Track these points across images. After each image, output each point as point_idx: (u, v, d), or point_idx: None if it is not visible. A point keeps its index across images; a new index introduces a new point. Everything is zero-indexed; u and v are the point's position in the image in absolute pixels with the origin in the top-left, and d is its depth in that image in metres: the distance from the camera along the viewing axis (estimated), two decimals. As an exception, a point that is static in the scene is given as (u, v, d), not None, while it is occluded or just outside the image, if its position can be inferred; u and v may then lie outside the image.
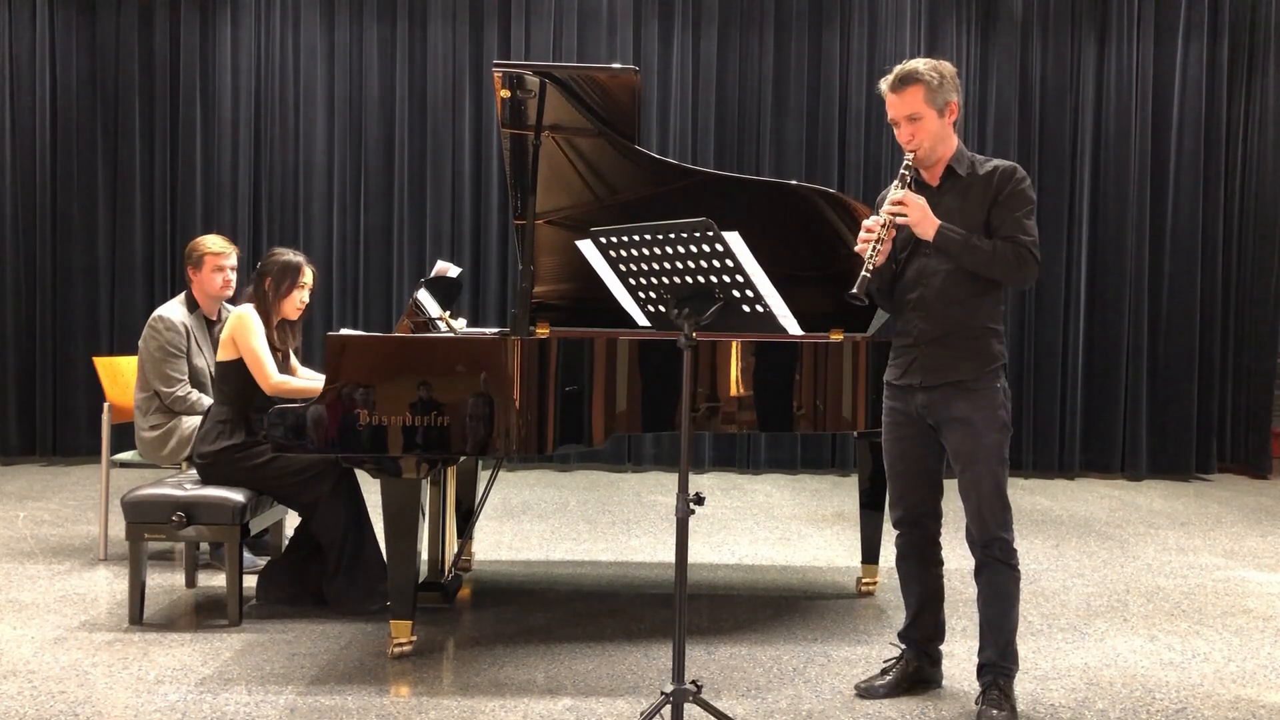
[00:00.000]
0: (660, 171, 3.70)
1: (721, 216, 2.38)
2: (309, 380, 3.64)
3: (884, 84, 2.78)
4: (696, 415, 3.47)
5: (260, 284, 3.65)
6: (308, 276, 3.71)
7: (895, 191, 2.72)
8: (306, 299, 3.74)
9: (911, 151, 2.75)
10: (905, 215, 2.69)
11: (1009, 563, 2.76)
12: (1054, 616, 3.74)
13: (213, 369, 3.92)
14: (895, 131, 2.79)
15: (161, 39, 6.78)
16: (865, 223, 2.74)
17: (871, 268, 2.66)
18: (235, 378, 3.56)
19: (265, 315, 3.62)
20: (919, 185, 2.82)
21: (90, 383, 6.10)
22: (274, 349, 3.61)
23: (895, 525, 2.96)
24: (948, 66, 2.79)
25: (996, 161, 2.80)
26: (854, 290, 2.63)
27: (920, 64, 2.76)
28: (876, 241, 2.67)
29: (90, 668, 3.06)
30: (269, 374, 3.53)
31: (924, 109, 2.72)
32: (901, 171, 2.76)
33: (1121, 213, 6.84)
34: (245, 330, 3.54)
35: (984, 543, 2.75)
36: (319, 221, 6.86)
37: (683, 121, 6.85)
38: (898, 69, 2.77)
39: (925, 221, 2.69)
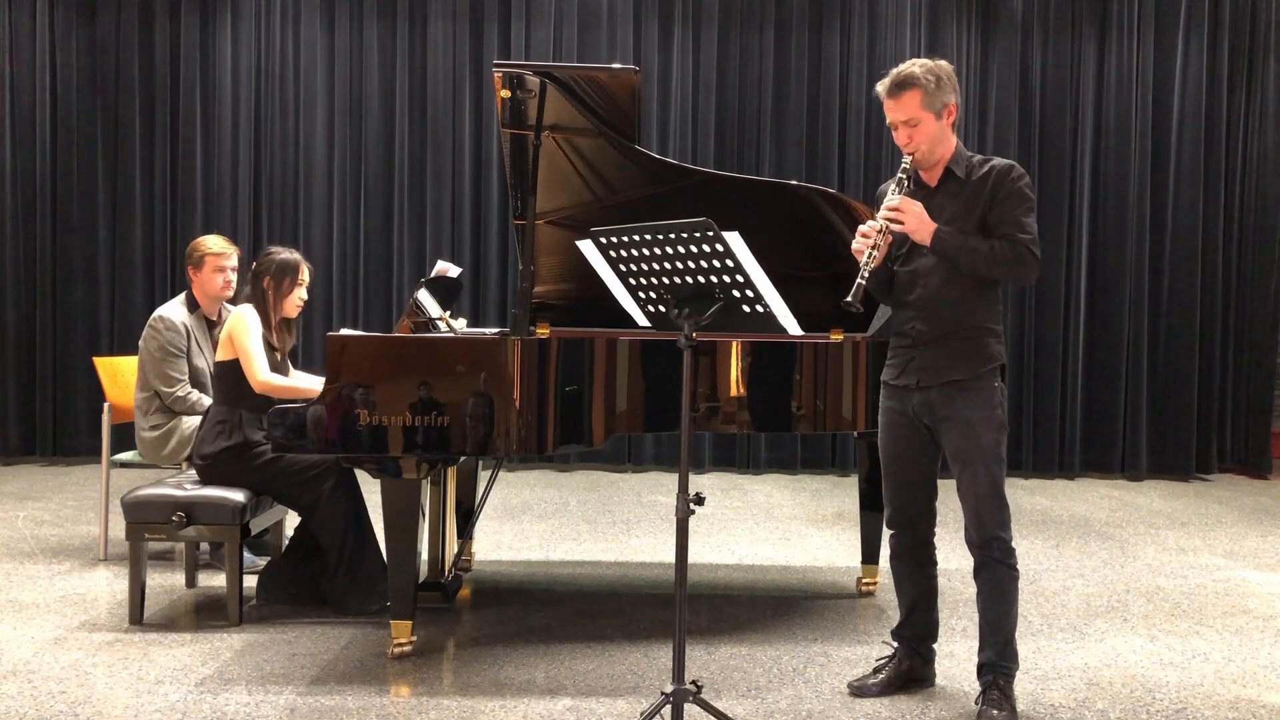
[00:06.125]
0: (660, 171, 3.70)
1: (721, 216, 2.38)
2: (298, 381, 3.63)
3: (880, 88, 2.75)
4: (696, 415, 3.47)
5: (258, 284, 3.64)
6: (305, 274, 3.72)
7: (893, 196, 2.70)
8: (305, 296, 3.74)
9: (910, 154, 2.74)
10: (901, 222, 2.67)
11: (1007, 562, 2.75)
12: (1054, 616, 3.74)
13: (212, 369, 3.91)
14: (894, 134, 2.77)
15: (161, 39, 6.78)
16: (861, 228, 2.71)
17: (866, 275, 2.64)
18: (233, 378, 3.55)
19: (265, 315, 3.61)
20: (917, 185, 2.81)
21: (90, 383, 6.10)
22: (271, 349, 3.60)
23: (888, 525, 2.97)
24: (945, 67, 2.75)
25: (994, 161, 2.77)
26: (849, 299, 2.61)
27: (917, 68, 2.72)
28: (872, 248, 2.65)
29: (90, 668, 3.06)
30: (258, 370, 3.50)
31: (921, 113, 2.70)
32: (899, 175, 2.74)
33: (1121, 213, 6.84)
34: (241, 328, 3.53)
35: (982, 543, 2.75)
36: (319, 221, 6.86)
37: (683, 121, 6.85)
38: (894, 73, 2.74)
39: (922, 228, 2.67)
